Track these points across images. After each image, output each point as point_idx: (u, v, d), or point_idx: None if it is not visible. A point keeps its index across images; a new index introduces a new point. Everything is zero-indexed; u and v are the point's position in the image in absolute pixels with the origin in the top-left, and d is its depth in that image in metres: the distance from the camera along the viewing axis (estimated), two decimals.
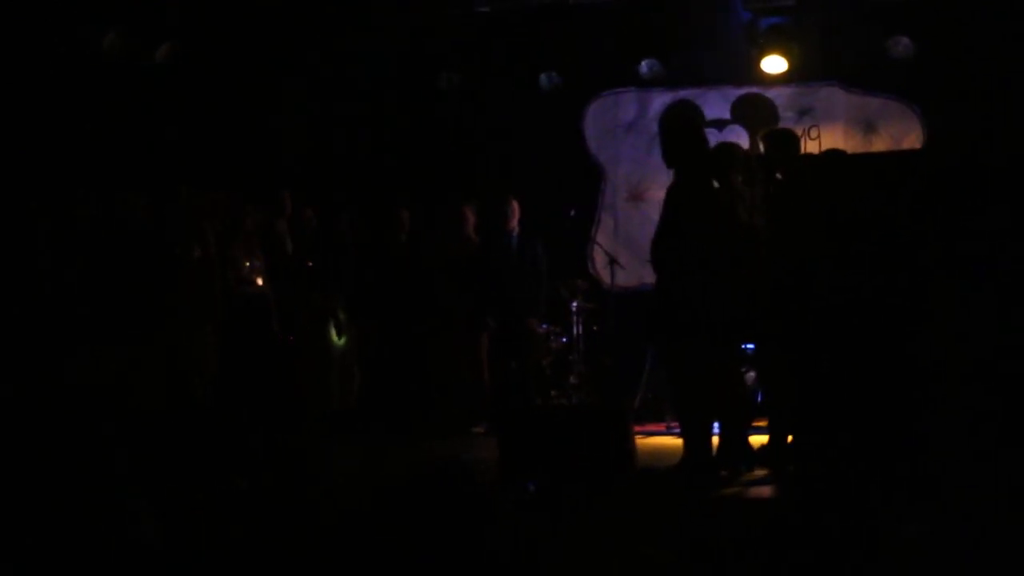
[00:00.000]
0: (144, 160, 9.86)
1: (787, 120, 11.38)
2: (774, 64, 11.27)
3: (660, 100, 11.95)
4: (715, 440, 7.80)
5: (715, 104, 11.81)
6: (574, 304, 11.00)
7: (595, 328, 11.37)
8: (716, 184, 7.74)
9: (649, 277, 8.21)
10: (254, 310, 9.64)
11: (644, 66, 11.63)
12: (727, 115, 11.76)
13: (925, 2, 10.72)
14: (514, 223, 10.69)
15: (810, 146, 10.72)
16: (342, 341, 10.52)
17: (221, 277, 9.35)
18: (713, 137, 9.85)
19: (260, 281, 9.71)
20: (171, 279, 9.02)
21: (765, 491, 7.56)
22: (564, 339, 11.06)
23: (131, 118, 10.14)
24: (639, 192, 11.87)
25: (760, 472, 7.88)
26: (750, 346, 9.02)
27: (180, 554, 4.76)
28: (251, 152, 11.14)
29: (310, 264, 10.47)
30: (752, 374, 9.41)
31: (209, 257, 9.22)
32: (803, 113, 11.53)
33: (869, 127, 11.38)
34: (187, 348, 9.06)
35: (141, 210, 9.23)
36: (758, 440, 8.23)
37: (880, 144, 11.14)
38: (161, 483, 6.06)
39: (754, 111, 11.68)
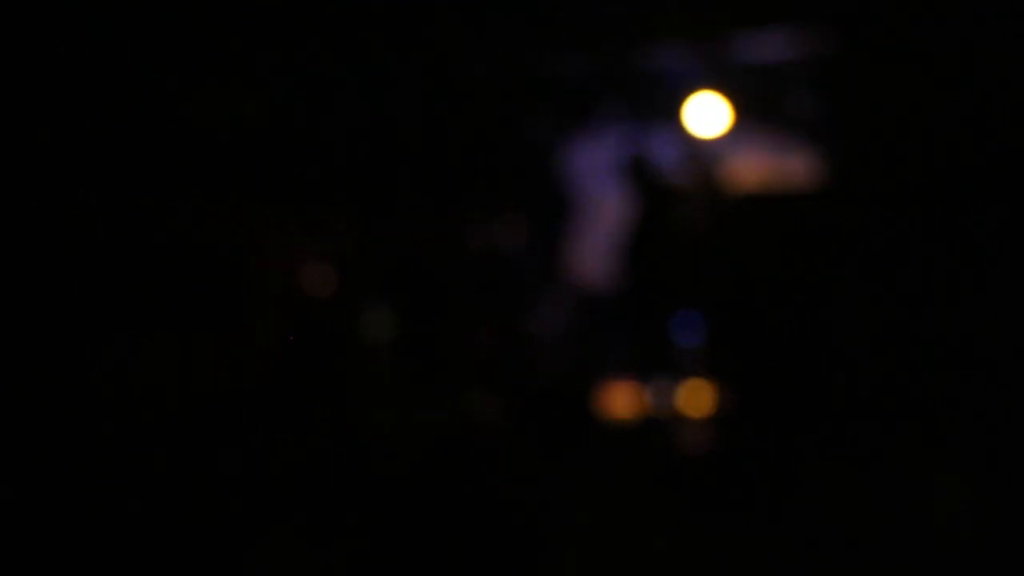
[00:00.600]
0: (219, 177, 9.72)
1: (711, 158, 11.33)
2: (707, 114, 11.21)
3: (615, 144, 11.91)
4: None
5: (662, 147, 11.76)
6: (562, 300, 11.01)
7: (579, 318, 11.37)
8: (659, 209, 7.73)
9: (621, 277, 8.24)
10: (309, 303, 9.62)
11: (606, 116, 11.61)
12: (672, 156, 11.72)
13: (825, 57, 10.70)
14: (514, 238, 10.68)
15: (728, 179, 10.70)
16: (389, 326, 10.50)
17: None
18: (660, 174, 9.85)
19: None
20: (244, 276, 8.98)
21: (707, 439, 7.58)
22: (555, 327, 11.08)
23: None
24: (605, 221, 11.88)
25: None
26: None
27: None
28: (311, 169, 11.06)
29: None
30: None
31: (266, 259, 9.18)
32: (723, 152, 11.45)
33: (782, 164, 11.35)
34: (255, 335, 9.01)
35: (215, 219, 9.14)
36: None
37: (787, 176, 11.13)
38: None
39: (692, 153, 11.64)
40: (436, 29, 11.30)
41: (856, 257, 6.14)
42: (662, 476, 6.48)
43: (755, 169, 11.48)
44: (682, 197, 7.89)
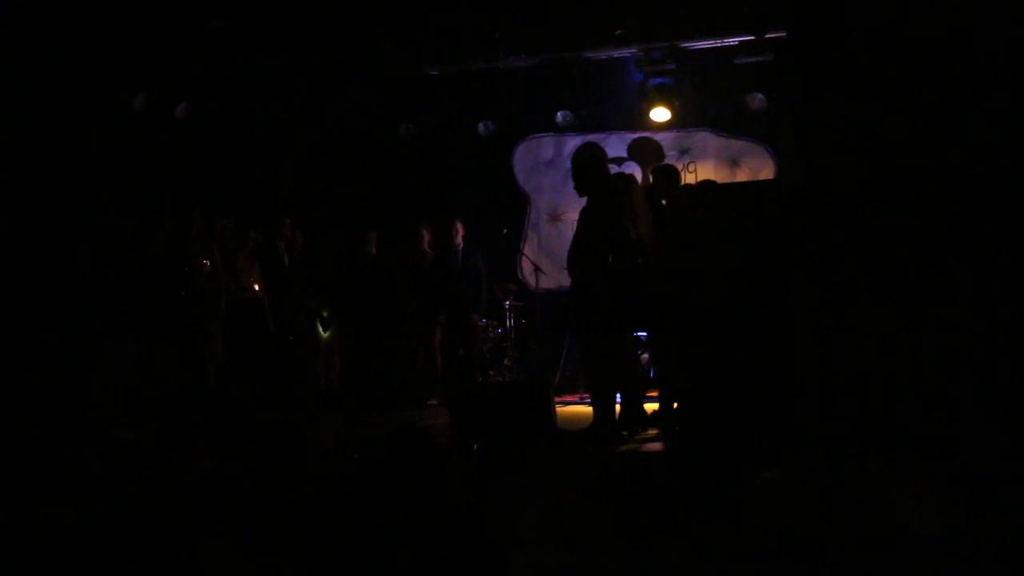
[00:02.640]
0: (166, 194, 9.75)
1: (671, 158, 11.41)
2: (660, 114, 11.29)
3: (572, 142, 11.94)
4: (617, 407, 7.82)
5: (615, 145, 11.81)
6: (507, 303, 10.98)
7: (523, 321, 11.35)
8: (616, 206, 7.71)
9: (565, 281, 8.21)
10: (251, 311, 9.56)
11: (560, 116, 11.62)
12: (624, 154, 11.77)
13: (774, 66, 10.78)
14: (459, 239, 10.67)
15: (688, 178, 10.75)
16: (327, 334, 10.46)
17: (226, 286, 9.26)
18: (613, 171, 9.86)
19: (256, 288, 9.62)
20: (187, 287, 8.93)
21: (657, 446, 7.58)
22: (499, 330, 11.04)
23: (156, 160, 10.03)
24: (557, 215, 11.86)
25: (652, 431, 7.91)
26: (643, 333, 9.05)
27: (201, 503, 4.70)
28: (251, 187, 11.03)
29: (303, 275, 10.42)
30: (646, 355, 9.43)
31: (217, 270, 9.14)
32: (683, 152, 11.55)
33: (734, 163, 11.42)
34: (199, 342, 8.98)
35: (163, 233, 9.14)
36: (651, 407, 8.26)
37: (743, 176, 11.18)
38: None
39: (645, 151, 11.69)
40: (389, 28, 11.34)
41: (815, 253, 6.18)
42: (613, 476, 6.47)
43: (709, 166, 11.60)
44: (635, 194, 7.86)
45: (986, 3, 5.62)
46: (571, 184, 8.05)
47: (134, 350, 8.52)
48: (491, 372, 10.93)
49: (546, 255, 11.53)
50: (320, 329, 10.40)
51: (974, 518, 4.34)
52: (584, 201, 7.89)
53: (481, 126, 11.89)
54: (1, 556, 4.21)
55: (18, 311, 7.67)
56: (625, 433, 7.70)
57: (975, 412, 5.44)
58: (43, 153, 8.19)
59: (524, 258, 11.72)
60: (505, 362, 10.94)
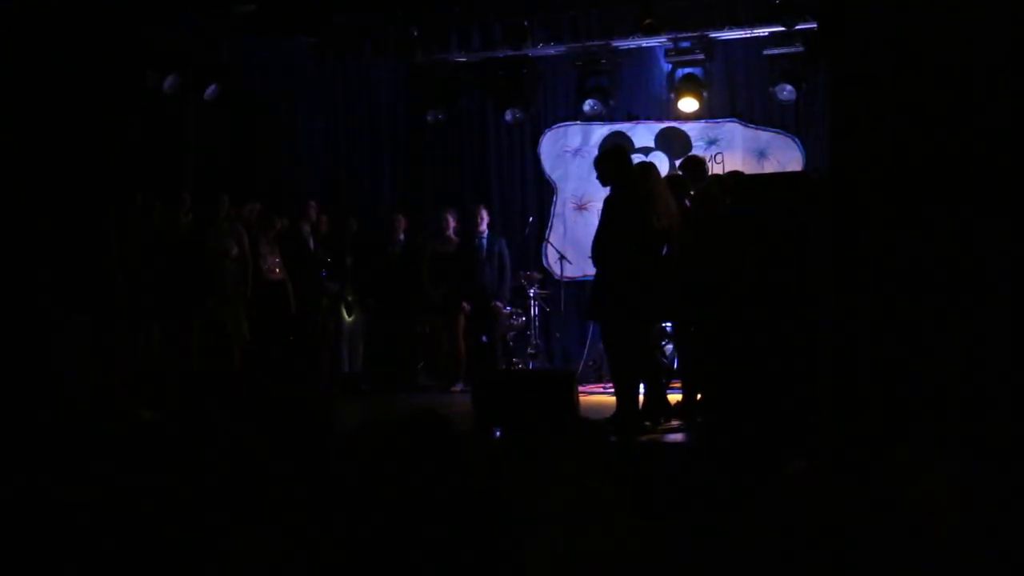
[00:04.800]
0: (195, 177, 9.79)
1: (698, 148, 11.36)
2: (688, 104, 11.26)
3: (599, 132, 11.90)
4: (641, 398, 7.80)
5: (642, 135, 11.77)
6: (531, 291, 10.98)
7: (548, 310, 11.36)
8: (638, 197, 7.66)
9: (590, 270, 8.18)
10: (274, 294, 9.58)
11: (587, 105, 11.59)
12: (652, 144, 11.72)
13: (804, 58, 10.74)
14: (484, 227, 10.66)
15: (715, 169, 10.68)
16: (351, 318, 10.48)
17: (252, 269, 9.30)
18: (640, 160, 9.82)
19: (279, 272, 9.64)
20: (214, 270, 8.97)
21: (679, 437, 7.56)
22: (523, 318, 11.03)
23: (187, 143, 10.07)
24: (583, 203, 11.83)
25: (675, 422, 7.89)
26: (668, 324, 9.02)
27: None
28: (279, 171, 11.06)
29: (329, 260, 10.44)
30: (670, 346, 9.40)
31: (243, 253, 9.17)
32: (710, 143, 11.50)
33: (761, 154, 11.36)
34: (226, 322, 9.03)
35: (192, 216, 9.18)
36: (674, 398, 8.23)
37: (770, 167, 11.12)
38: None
39: (673, 141, 11.65)
40: (418, 15, 11.35)
41: (840, 246, 6.13)
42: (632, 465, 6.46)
43: (737, 157, 11.55)
44: (658, 183, 7.84)
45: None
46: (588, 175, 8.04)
47: (161, 330, 8.58)
48: (515, 360, 10.93)
49: (571, 244, 11.50)
50: (344, 313, 10.42)
51: (988, 508, 4.31)
52: (609, 190, 7.87)
53: (508, 114, 11.87)
54: (26, 536, 4.22)
55: (44, 292, 7.71)
56: (648, 423, 7.67)
57: (998, 408, 5.40)
58: (73, 134, 8.22)
59: (549, 246, 11.69)
60: (529, 350, 10.93)
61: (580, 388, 8.43)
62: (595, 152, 11.11)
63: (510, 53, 11.55)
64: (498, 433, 7.34)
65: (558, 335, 11.46)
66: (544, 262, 11.79)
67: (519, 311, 11.02)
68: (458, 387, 10.23)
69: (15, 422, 6.41)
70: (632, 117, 11.86)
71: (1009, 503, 4.38)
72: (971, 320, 5.57)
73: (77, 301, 7.95)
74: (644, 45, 11.41)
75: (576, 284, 11.22)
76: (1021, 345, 5.46)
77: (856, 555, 3.94)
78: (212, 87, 10.19)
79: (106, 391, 7.60)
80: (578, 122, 11.98)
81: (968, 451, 5.30)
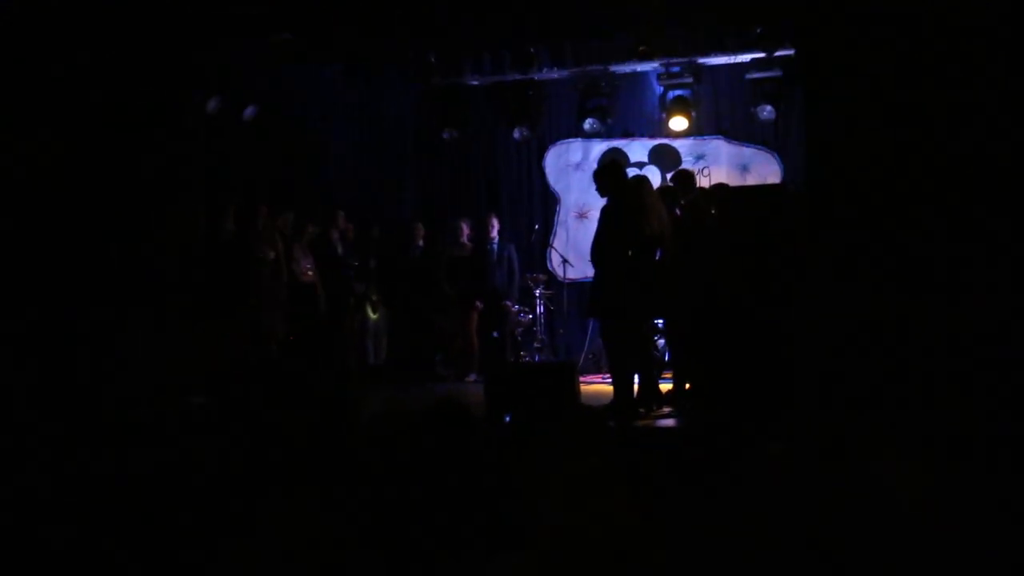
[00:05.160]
0: (235, 189, 9.85)
1: (687, 162, 11.41)
2: (678, 123, 11.29)
3: (598, 147, 11.96)
4: (635, 387, 7.85)
5: (637, 151, 11.83)
6: (537, 291, 11.04)
7: (552, 308, 11.41)
8: (632, 206, 7.71)
9: (590, 272, 8.24)
10: (307, 295, 9.65)
11: (588, 123, 11.63)
12: (646, 159, 11.78)
13: (782, 81, 10.77)
14: (495, 233, 10.74)
15: (703, 181, 10.73)
16: (376, 316, 10.54)
17: (287, 272, 9.36)
18: (635, 173, 9.88)
19: (310, 274, 9.71)
20: (253, 273, 9.03)
21: (671, 421, 7.63)
22: (530, 316, 11.09)
23: (227, 158, 10.13)
24: (583, 212, 11.88)
25: (666, 409, 7.94)
26: (660, 321, 9.08)
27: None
28: (311, 184, 11.13)
29: (356, 264, 10.50)
30: (662, 340, 9.45)
31: (279, 258, 9.22)
32: (698, 158, 11.55)
33: (744, 168, 11.41)
34: (264, 319, 9.08)
35: (233, 224, 9.25)
36: (665, 387, 8.29)
37: (752, 180, 11.15)
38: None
39: (665, 156, 11.70)
40: (435, 43, 11.39)
41: (814, 249, 6.19)
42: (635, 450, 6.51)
43: (722, 171, 11.58)
44: (650, 195, 7.88)
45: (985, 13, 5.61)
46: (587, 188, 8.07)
47: (208, 325, 8.62)
48: (522, 353, 10.99)
49: (573, 248, 11.57)
50: (369, 311, 10.49)
51: (951, 479, 4.38)
52: (606, 201, 7.93)
53: (516, 132, 11.93)
54: (80, 513, 4.29)
55: (109, 290, 7.80)
56: (642, 410, 7.74)
57: (954, 392, 5.47)
58: (130, 150, 8.31)
59: (553, 251, 11.78)
60: (535, 344, 10.99)
61: (581, 378, 8.47)
62: (594, 166, 11.18)
63: (518, 77, 11.61)
64: (508, 418, 7.39)
65: (561, 331, 11.51)
66: (549, 265, 11.86)
67: (526, 309, 11.10)
68: (472, 377, 10.31)
69: (83, 406, 6.51)
70: (628, 134, 11.91)
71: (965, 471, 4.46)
72: (926, 315, 5.66)
73: (137, 298, 8.03)
74: (638, 70, 11.44)
75: (577, 285, 11.27)
76: (960, 339, 5.53)
77: (828, 524, 4.01)
78: (251, 108, 10.26)
79: (162, 378, 7.67)
80: (579, 139, 12.05)
81: (922, 435, 5.37)
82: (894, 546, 3.74)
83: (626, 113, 11.82)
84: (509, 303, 10.73)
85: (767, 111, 11.02)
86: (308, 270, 9.68)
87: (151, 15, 8.18)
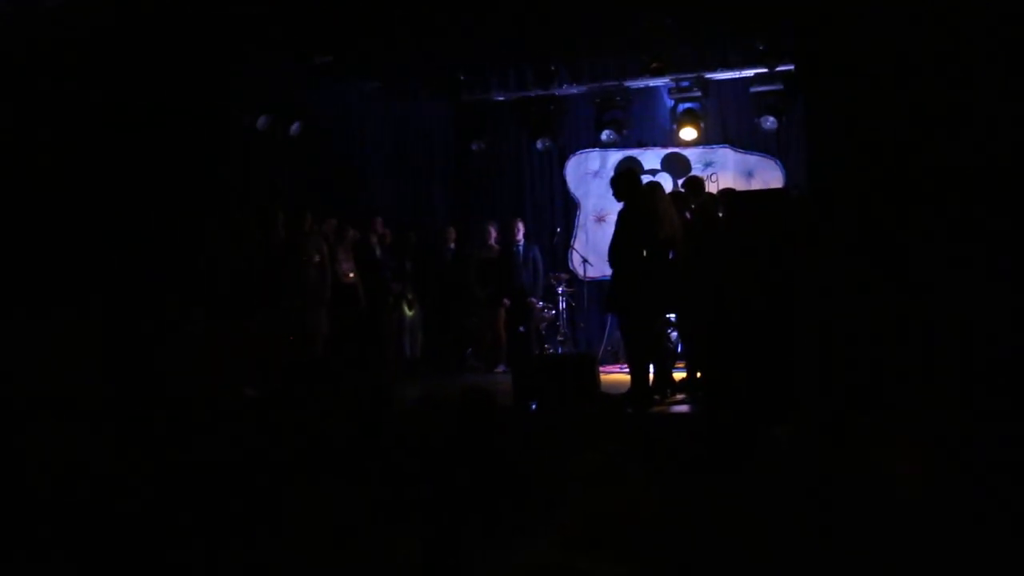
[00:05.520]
0: (283, 198, 9.85)
1: (697, 170, 11.32)
2: (688, 133, 11.24)
3: (615, 156, 11.90)
4: (651, 377, 7.80)
5: (650, 159, 11.76)
6: (560, 289, 11.00)
7: (573, 305, 11.37)
8: (646, 210, 7.66)
9: (608, 271, 8.20)
10: (348, 294, 9.63)
11: (605, 134, 11.59)
12: (659, 166, 11.71)
13: (784, 94, 10.69)
14: (520, 236, 10.70)
15: (711, 187, 10.65)
16: (412, 313, 10.53)
17: (331, 273, 9.35)
18: (648, 180, 9.81)
19: (352, 275, 9.69)
20: (300, 274, 9.03)
21: (684, 408, 7.57)
22: (553, 312, 11.05)
23: (276, 170, 10.14)
24: (601, 216, 11.82)
25: (680, 396, 7.89)
26: (673, 315, 9.02)
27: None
28: (352, 193, 11.11)
29: (393, 265, 10.48)
30: (675, 333, 9.39)
31: (324, 261, 9.22)
32: (707, 165, 11.46)
33: (749, 174, 11.32)
34: (309, 319, 9.06)
35: (282, 230, 9.25)
36: (679, 376, 8.24)
37: (756, 185, 11.07)
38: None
39: (676, 163, 11.62)
40: (464, 62, 11.37)
41: (815, 248, 6.09)
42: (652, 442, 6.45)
43: (729, 177, 11.49)
44: (662, 200, 7.82)
45: (982, 24, 5.46)
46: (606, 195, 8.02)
47: (260, 322, 8.62)
48: (547, 346, 10.96)
49: (592, 250, 11.51)
50: (406, 309, 10.47)
51: (946, 469, 4.29)
52: (622, 205, 7.88)
53: (539, 143, 11.90)
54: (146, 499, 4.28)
55: (169, 290, 7.83)
56: (657, 397, 7.70)
57: (952, 382, 5.35)
58: (190, 166, 8.35)
59: (574, 252, 11.73)
60: (558, 338, 10.96)
61: (601, 369, 8.44)
62: (611, 173, 11.11)
63: (540, 92, 11.57)
64: (534, 406, 7.37)
65: (582, 325, 11.46)
66: (570, 265, 11.82)
67: (550, 306, 11.06)
68: (500, 369, 10.28)
69: (145, 396, 6.51)
70: (642, 144, 11.85)
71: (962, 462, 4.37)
72: (923, 311, 5.55)
73: (194, 297, 8.05)
74: (651, 85, 11.39)
75: (597, 283, 11.22)
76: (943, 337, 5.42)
77: (832, 503, 3.94)
78: (296, 124, 10.25)
79: (217, 371, 7.67)
80: (597, 149, 12.00)
81: (922, 435, 5.26)
82: (894, 546, 3.64)
83: (640, 124, 11.77)
84: (534, 300, 10.69)
85: (770, 121, 10.95)
86: (350, 271, 9.66)
87: (208, 47, 8.22)
